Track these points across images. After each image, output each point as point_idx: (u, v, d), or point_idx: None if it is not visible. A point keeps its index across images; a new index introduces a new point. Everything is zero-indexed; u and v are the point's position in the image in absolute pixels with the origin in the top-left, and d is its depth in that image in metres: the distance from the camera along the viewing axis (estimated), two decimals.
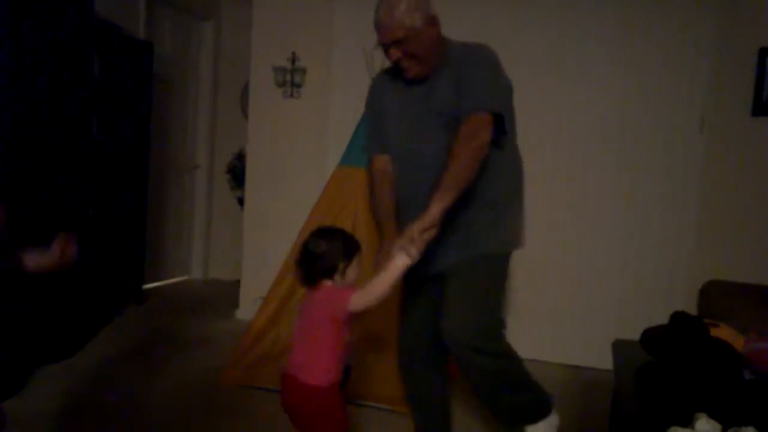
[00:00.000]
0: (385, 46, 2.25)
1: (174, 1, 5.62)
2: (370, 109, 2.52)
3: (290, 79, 4.62)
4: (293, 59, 4.62)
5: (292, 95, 4.65)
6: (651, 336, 2.34)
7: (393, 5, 2.19)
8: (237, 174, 5.72)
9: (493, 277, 2.41)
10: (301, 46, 4.62)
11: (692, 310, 3.71)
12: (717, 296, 3.66)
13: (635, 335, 2.46)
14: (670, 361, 2.21)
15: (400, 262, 1.93)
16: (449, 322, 2.30)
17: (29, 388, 3.26)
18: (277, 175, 4.74)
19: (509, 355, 2.41)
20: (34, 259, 1.94)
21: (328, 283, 2.00)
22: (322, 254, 1.99)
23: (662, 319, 2.71)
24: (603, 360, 3.68)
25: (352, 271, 2.01)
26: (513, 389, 2.42)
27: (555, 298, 4.18)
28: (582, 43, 4.06)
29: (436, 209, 2.01)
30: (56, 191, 3.66)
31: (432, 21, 2.24)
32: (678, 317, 2.31)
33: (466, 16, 4.03)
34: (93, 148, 4.10)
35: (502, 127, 2.24)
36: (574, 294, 4.15)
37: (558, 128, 4.12)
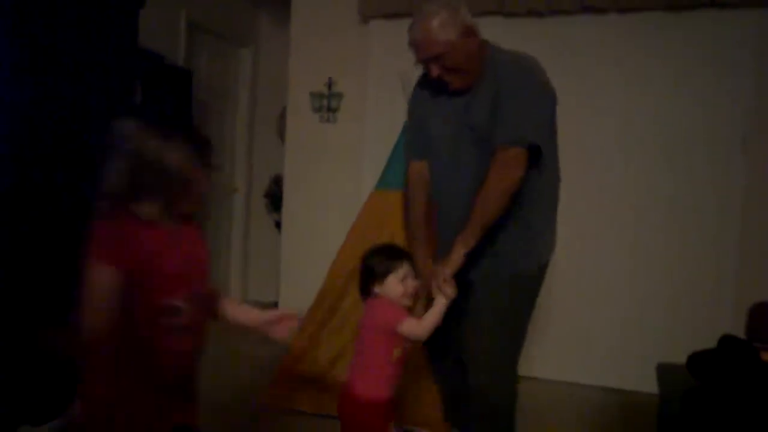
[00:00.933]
0: (424, 63, 2.26)
1: (213, 29, 5.73)
2: (412, 114, 2.53)
3: (327, 104, 4.67)
4: (329, 84, 4.67)
5: (328, 120, 4.69)
6: (698, 360, 2.28)
7: (426, 22, 2.20)
8: (274, 198, 5.78)
9: (522, 299, 2.39)
10: (337, 71, 4.68)
11: (737, 332, 3.61)
12: (766, 318, 3.56)
13: (677, 357, 2.40)
14: (718, 386, 2.15)
15: (441, 302, 2.13)
16: (472, 351, 2.33)
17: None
18: (313, 198, 4.77)
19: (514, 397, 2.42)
20: (242, 311, 2.04)
21: (381, 295, 2.12)
22: (365, 269, 2.17)
23: (705, 340, 2.64)
24: (643, 382, 3.63)
25: (388, 286, 2.12)
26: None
27: (593, 317, 4.10)
28: (619, 60, 4.03)
29: (460, 253, 2.16)
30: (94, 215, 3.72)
31: (468, 32, 2.22)
32: (726, 340, 2.26)
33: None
34: None
35: (539, 153, 2.23)
36: (613, 313, 4.07)
37: (596, 150, 4.07)
